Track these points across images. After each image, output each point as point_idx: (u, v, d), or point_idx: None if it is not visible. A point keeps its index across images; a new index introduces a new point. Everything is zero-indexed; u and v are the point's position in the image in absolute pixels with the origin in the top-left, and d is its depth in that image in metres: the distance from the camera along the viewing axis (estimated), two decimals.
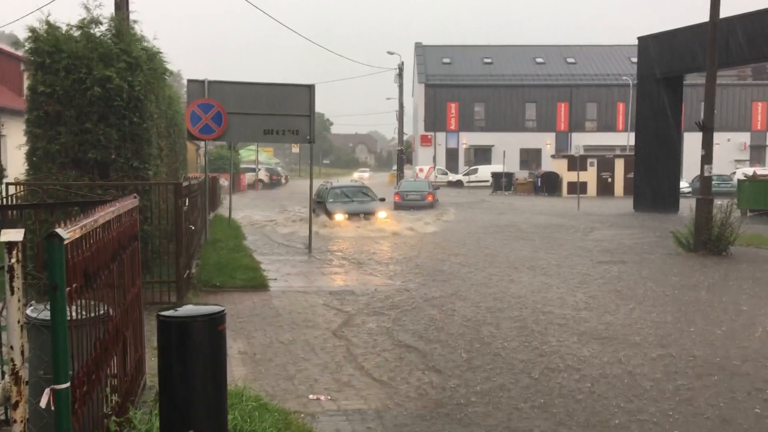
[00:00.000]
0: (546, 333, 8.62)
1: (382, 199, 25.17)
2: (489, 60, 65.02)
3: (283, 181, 63.09)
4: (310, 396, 6.32)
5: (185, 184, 11.35)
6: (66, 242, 3.19)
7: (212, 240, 16.24)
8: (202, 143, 23.56)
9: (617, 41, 66.21)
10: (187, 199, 11.19)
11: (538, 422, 5.73)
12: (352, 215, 22.57)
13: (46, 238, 3.10)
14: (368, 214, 22.87)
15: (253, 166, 54.67)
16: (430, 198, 32.46)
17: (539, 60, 64.71)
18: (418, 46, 67.14)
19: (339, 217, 22.45)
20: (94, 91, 9.97)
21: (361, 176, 72.25)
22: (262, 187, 53.56)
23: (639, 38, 30.64)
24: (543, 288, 11.75)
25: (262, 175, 56.13)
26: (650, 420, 5.76)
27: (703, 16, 18.37)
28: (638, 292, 11.37)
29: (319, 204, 23.90)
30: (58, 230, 3.15)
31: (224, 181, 35.65)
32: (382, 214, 23.15)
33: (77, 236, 3.49)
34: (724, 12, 18.26)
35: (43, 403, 3.10)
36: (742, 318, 9.54)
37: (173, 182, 11.31)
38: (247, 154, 62.30)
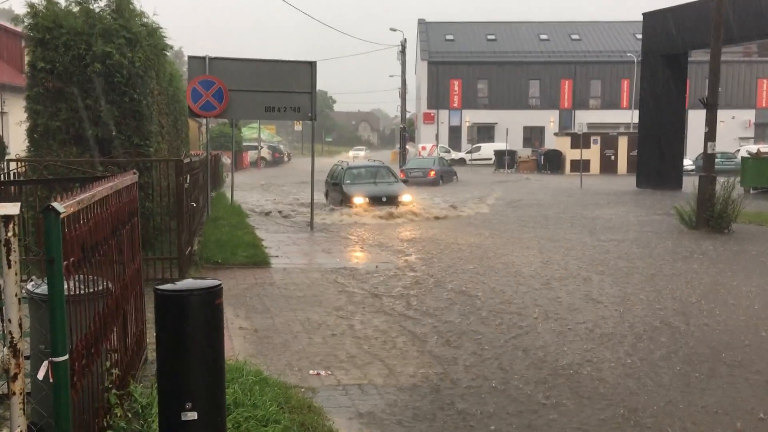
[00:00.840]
0: (546, 317, 8.66)
1: (405, 181, 23.42)
2: (492, 37, 64.48)
3: (285, 158, 62.97)
4: (310, 371, 6.36)
5: (186, 161, 11.32)
6: (62, 216, 3.19)
7: (214, 217, 16.25)
8: (203, 120, 23.50)
9: (622, 17, 65.56)
10: (188, 176, 11.17)
11: (528, 405, 5.78)
12: (373, 199, 20.12)
13: (42, 211, 3.11)
14: (391, 198, 20.29)
15: (256, 144, 54.60)
16: (432, 174, 32.83)
17: (543, 37, 64.18)
18: (421, 23, 66.61)
19: (358, 200, 20.09)
20: (94, 67, 9.95)
21: (356, 155, 64.14)
22: (264, 164, 53.52)
23: (644, 14, 30.38)
24: (544, 265, 11.77)
25: (265, 152, 56.07)
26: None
27: None
28: (629, 266, 11.38)
29: (335, 186, 21.77)
30: (54, 204, 3.15)
31: (226, 159, 35.57)
32: (406, 198, 20.54)
33: (74, 210, 3.49)
34: None
35: (40, 375, 3.13)
36: (725, 293, 9.57)
37: (174, 159, 11.30)
38: (250, 132, 62.17)
